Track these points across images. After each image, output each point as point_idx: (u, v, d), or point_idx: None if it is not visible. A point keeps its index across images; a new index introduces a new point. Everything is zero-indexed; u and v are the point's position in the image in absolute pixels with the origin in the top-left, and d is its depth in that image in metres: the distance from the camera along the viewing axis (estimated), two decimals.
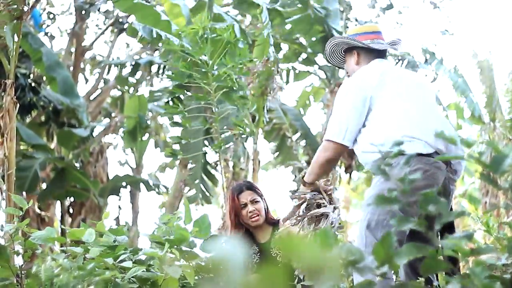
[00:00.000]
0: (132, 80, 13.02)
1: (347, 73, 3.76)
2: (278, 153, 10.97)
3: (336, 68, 11.55)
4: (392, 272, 2.71)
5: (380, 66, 3.51)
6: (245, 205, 4.11)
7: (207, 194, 8.94)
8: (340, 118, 3.38)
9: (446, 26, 17.92)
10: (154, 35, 6.65)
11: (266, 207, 4.21)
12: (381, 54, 3.65)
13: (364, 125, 3.36)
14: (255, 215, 4.09)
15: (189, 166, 9.04)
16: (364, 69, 3.52)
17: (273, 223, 4.23)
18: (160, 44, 7.00)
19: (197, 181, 8.74)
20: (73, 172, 11.34)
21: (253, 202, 4.13)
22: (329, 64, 11.67)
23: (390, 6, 13.09)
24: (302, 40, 10.99)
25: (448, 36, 13.19)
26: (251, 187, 4.21)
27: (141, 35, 6.57)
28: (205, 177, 8.85)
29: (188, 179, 8.96)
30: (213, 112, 5.86)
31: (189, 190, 9.29)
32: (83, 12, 11.67)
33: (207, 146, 8.51)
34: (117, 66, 12.15)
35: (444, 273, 2.85)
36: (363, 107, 3.34)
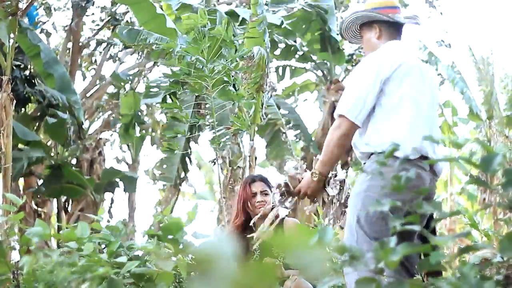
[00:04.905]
0: (127, 73, 12.99)
1: (364, 49, 3.59)
2: (270, 148, 11.03)
3: (333, 65, 11.68)
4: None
5: (402, 54, 3.36)
6: (255, 194, 4.27)
7: (180, 179, 9.24)
8: (358, 94, 3.24)
9: (442, 35, 17.89)
10: (142, 38, 6.65)
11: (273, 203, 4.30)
12: (401, 29, 3.54)
13: (379, 104, 3.27)
14: (261, 205, 4.18)
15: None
16: (386, 50, 3.38)
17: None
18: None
19: (173, 165, 9.02)
20: (69, 169, 11.32)
21: (263, 193, 4.29)
22: (326, 61, 11.57)
23: None
24: (298, 38, 11.00)
25: (444, 48, 13.09)
26: (264, 179, 4.37)
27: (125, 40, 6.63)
28: (180, 165, 9.13)
29: (165, 161, 9.28)
30: (210, 107, 5.84)
31: (162, 173, 9.65)
32: (80, 8, 11.61)
33: (190, 137, 8.71)
34: (109, 46, 12.21)
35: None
36: (374, 88, 3.23)
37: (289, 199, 3.51)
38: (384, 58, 3.31)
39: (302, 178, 3.47)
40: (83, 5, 11.52)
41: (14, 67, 9.02)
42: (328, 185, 3.43)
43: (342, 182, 3.62)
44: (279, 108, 10.95)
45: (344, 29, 3.66)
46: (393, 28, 3.51)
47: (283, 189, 3.51)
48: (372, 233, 3.07)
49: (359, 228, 3.12)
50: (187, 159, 9.82)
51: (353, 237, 3.13)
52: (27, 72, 10.12)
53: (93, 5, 11.93)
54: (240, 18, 7.87)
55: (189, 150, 9.58)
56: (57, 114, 10.63)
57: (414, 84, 3.29)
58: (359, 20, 3.54)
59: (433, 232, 3.19)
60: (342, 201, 3.64)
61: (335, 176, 3.52)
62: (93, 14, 12.85)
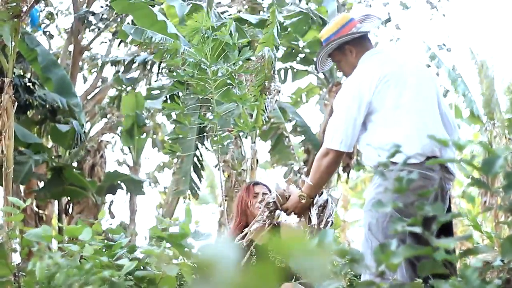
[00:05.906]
0: (129, 77, 12.95)
1: (344, 72, 3.62)
2: (273, 152, 10.97)
3: (335, 67, 11.67)
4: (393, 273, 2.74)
5: (378, 68, 3.35)
6: (257, 195, 4.30)
7: (196, 188, 9.15)
8: (337, 125, 3.33)
9: (444, 39, 17.81)
10: (147, 36, 6.65)
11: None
12: (367, 36, 3.56)
13: (370, 121, 3.30)
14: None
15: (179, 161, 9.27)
16: (363, 70, 3.39)
17: (273, 226, 4.29)
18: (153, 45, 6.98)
19: (186, 176, 8.92)
20: (70, 171, 11.31)
21: (264, 195, 4.28)
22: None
23: (388, 20, 13.03)
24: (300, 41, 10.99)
25: (445, 52, 13.08)
26: (266, 185, 4.45)
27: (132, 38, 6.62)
28: (193, 173, 9.03)
29: (177, 173, 9.15)
30: (212, 109, 5.84)
31: (177, 184, 9.49)
32: (84, 19, 11.59)
33: (200, 144, 8.62)
34: (114, 65, 12.13)
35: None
36: (360, 114, 3.28)
37: (277, 215, 3.84)
38: (362, 81, 3.32)
39: (290, 195, 3.70)
40: (86, 16, 11.51)
41: (14, 75, 9.02)
42: (313, 205, 3.67)
43: (325, 202, 3.73)
44: (283, 112, 10.92)
45: (319, 66, 3.73)
46: (362, 39, 3.53)
47: (272, 207, 3.78)
48: (385, 239, 3.05)
49: (372, 236, 3.15)
50: (199, 165, 9.54)
51: (368, 244, 3.17)
52: (27, 79, 10.11)
53: (101, 20, 11.90)
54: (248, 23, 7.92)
55: (200, 155, 9.38)
56: (61, 119, 10.63)
57: (398, 92, 3.28)
58: (330, 51, 3.58)
59: (449, 231, 3.21)
60: (322, 225, 3.73)
61: (320, 194, 3.69)
62: (97, 27, 12.85)
